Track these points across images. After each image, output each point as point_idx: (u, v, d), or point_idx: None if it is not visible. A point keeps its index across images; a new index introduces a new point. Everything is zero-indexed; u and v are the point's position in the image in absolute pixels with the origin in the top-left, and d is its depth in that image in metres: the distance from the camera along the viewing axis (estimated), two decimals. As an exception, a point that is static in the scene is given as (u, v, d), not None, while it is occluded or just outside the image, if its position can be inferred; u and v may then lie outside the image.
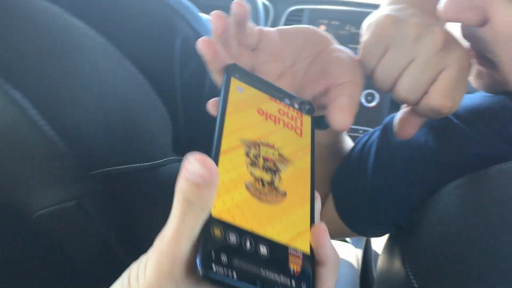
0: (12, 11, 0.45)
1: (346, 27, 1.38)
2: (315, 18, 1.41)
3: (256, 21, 1.24)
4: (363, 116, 1.39)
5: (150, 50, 0.60)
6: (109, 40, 0.53)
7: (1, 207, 0.51)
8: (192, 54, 0.62)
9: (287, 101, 0.41)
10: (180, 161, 0.58)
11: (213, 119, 0.35)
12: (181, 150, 0.64)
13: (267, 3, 1.48)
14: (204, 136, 0.50)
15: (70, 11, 0.51)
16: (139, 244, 0.56)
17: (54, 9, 0.49)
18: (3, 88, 0.43)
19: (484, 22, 0.42)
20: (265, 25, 1.46)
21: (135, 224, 0.57)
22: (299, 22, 1.43)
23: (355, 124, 1.40)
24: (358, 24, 1.37)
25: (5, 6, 0.44)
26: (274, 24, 1.46)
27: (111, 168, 0.52)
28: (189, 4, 0.66)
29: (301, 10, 1.43)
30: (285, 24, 1.45)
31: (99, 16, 0.57)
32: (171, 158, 0.61)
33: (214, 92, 0.65)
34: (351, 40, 1.38)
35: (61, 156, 0.47)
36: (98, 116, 0.49)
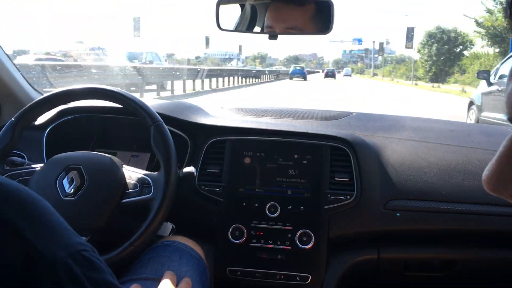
0: None
1: (274, 158, 1.23)
2: (239, 150, 1.27)
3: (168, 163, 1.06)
4: (296, 259, 1.19)
5: None
6: None
7: None
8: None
9: None
10: None
11: None
12: None
13: (183, 135, 1.33)
14: None
15: None
16: None
17: None
18: None
19: None
20: (184, 160, 1.29)
21: None
22: (221, 154, 1.27)
23: (287, 269, 1.21)
24: (286, 156, 1.24)
25: None
26: (193, 159, 1.30)
27: None
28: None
29: (223, 141, 1.29)
30: (205, 158, 1.29)
31: None
32: None
33: None
34: (279, 173, 1.23)
35: None
36: None
